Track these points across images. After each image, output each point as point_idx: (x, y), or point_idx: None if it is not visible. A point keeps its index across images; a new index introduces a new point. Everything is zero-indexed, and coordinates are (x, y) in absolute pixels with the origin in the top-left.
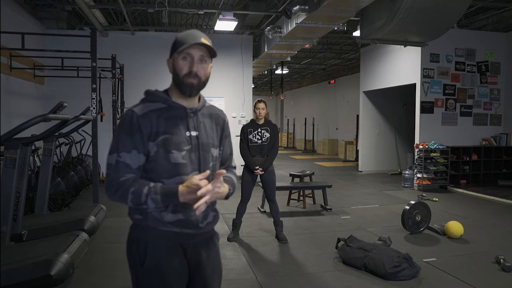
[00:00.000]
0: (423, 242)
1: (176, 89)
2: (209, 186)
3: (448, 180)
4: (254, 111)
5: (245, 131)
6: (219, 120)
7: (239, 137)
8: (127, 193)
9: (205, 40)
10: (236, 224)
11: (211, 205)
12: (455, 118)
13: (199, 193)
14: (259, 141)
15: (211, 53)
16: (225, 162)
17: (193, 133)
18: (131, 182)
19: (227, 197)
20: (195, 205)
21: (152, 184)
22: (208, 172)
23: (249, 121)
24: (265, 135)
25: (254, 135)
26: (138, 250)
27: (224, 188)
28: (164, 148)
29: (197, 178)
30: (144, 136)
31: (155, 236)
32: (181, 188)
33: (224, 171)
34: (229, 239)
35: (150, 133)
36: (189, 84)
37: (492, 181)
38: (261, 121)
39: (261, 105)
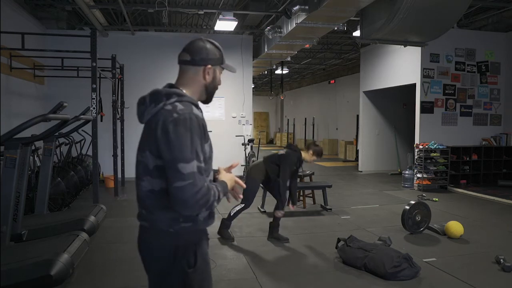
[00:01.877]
0: (423, 242)
1: (200, 94)
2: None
3: (448, 180)
4: (307, 158)
5: (293, 162)
6: None
7: (239, 137)
8: (209, 197)
9: None
10: (227, 225)
11: None
12: (455, 118)
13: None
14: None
15: None
16: None
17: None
18: (209, 186)
19: None
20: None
21: (212, 183)
22: (237, 162)
23: (294, 151)
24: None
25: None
26: (187, 257)
27: None
28: (210, 147)
29: (227, 171)
30: (206, 139)
31: (202, 236)
32: (229, 183)
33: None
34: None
35: (207, 135)
36: (213, 95)
37: (492, 181)
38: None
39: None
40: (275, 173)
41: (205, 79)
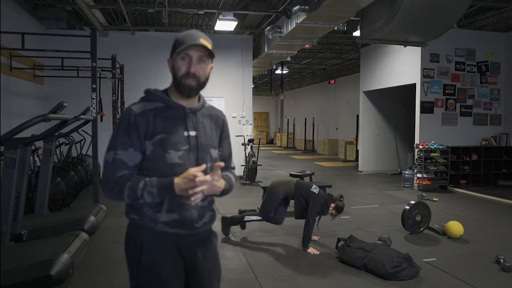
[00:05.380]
0: (423, 242)
1: (174, 87)
2: (207, 177)
3: (448, 180)
4: (331, 208)
5: (321, 206)
6: (218, 121)
7: (239, 137)
8: (123, 188)
9: (204, 40)
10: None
11: (208, 205)
12: (455, 118)
13: (198, 179)
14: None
15: (210, 53)
16: (224, 162)
17: (192, 133)
18: (127, 178)
19: (222, 193)
20: (191, 191)
21: (147, 178)
22: (204, 166)
23: (326, 195)
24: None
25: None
26: (134, 249)
27: (221, 184)
28: (161, 147)
29: (194, 170)
30: (140, 135)
31: (150, 235)
32: (177, 179)
33: (222, 163)
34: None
35: (146, 132)
36: (187, 86)
37: (492, 181)
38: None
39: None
40: (299, 206)
41: (170, 71)
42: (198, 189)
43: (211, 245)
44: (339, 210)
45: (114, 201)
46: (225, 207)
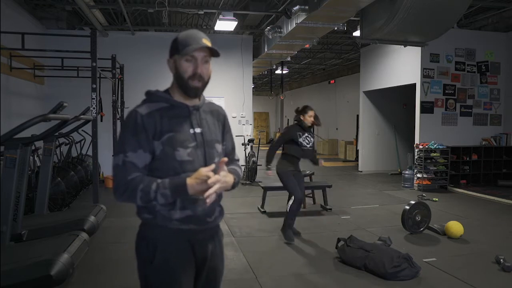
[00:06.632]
0: (423, 242)
1: (179, 89)
2: (218, 176)
3: (448, 180)
4: (305, 118)
5: (293, 133)
6: (219, 116)
7: (239, 137)
8: (136, 191)
9: (206, 41)
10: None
11: (217, 200)
12: (455, 118)
13: (210, 181)
14: (308, 145)
15: (213, 53)
16: (229, 156)
17: (197, 130)
18: (139, 180)
19: (233, 186)
20: (206, 194)
21: (159, 180)
22: (214, 165)
23: (294, 124)
24: (311, 141)
25: (304, 138)
26: (147, 248)
27: (230, 178)
28: (170, 146)
29: (205, 170)
30: (149, 136)
31: (164, 234)
32: (189, 180)
33: (226, 159)
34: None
35: (154, 132)
36: (194, 87)
37: (492, 181)
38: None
39: (313, 113)
40: (293, 151)
41: (171, 71)
42: (212, 190)
43: (219, 240)
44: (305, 110)
45: (125, 203)
46: (226, 207)
